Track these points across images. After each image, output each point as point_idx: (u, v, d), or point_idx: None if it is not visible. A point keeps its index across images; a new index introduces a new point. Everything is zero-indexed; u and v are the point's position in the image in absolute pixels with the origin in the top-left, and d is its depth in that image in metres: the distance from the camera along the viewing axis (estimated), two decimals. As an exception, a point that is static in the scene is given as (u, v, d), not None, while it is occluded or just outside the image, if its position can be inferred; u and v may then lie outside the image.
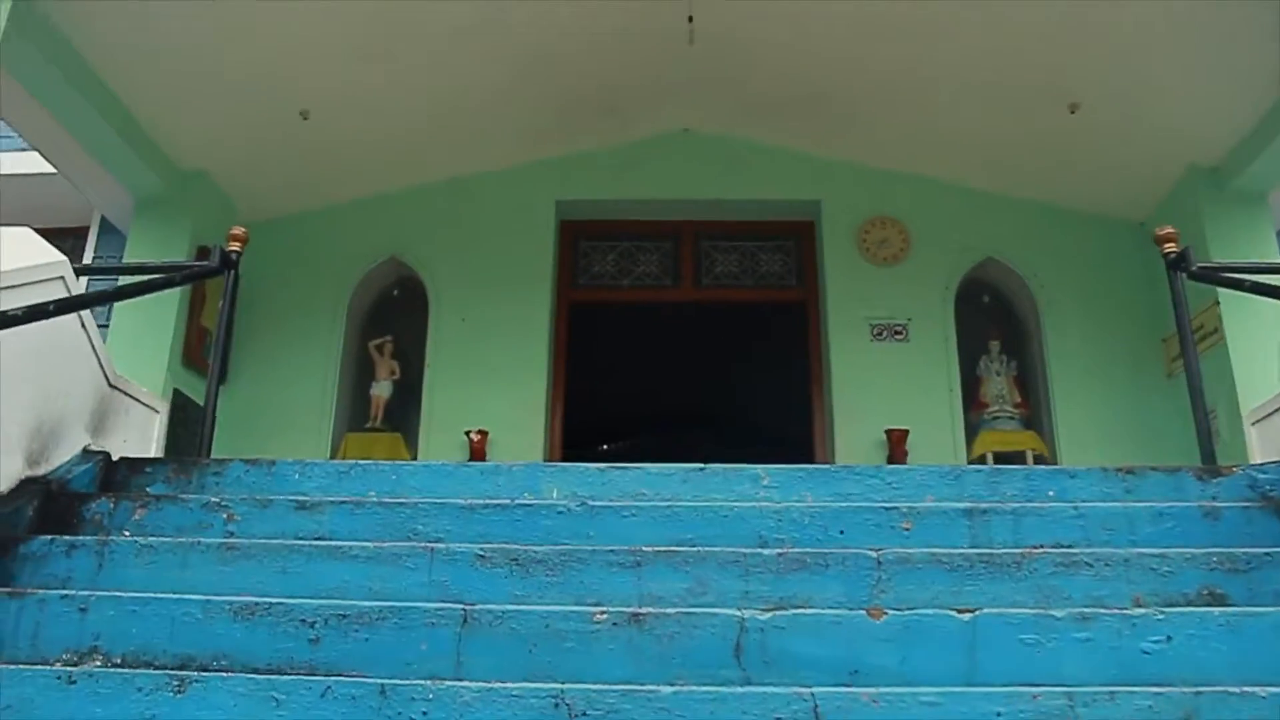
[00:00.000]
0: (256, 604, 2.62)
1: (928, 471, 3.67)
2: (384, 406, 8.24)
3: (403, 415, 8.25)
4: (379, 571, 2.95)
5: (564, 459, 8.27)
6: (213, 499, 3.40)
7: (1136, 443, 7.80)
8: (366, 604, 2.62)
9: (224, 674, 2.31)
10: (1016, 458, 7.93)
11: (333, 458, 7.96)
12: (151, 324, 7.12)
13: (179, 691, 2.24)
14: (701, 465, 3.66)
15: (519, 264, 8.37)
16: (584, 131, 8.43)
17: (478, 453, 7.66)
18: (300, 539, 3.24)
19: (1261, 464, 3.69)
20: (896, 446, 7.57)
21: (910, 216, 8.35)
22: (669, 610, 2.61)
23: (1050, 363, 8.03)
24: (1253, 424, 4.80)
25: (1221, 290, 7.31)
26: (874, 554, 2.94)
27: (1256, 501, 3.47)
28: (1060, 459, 7.78)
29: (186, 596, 2.66)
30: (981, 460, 7.86)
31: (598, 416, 13.76)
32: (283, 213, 8.52)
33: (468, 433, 7.71)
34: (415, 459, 7.94)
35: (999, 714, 2.20)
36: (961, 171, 8.30)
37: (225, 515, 3.34)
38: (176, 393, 7.47)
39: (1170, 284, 4.70)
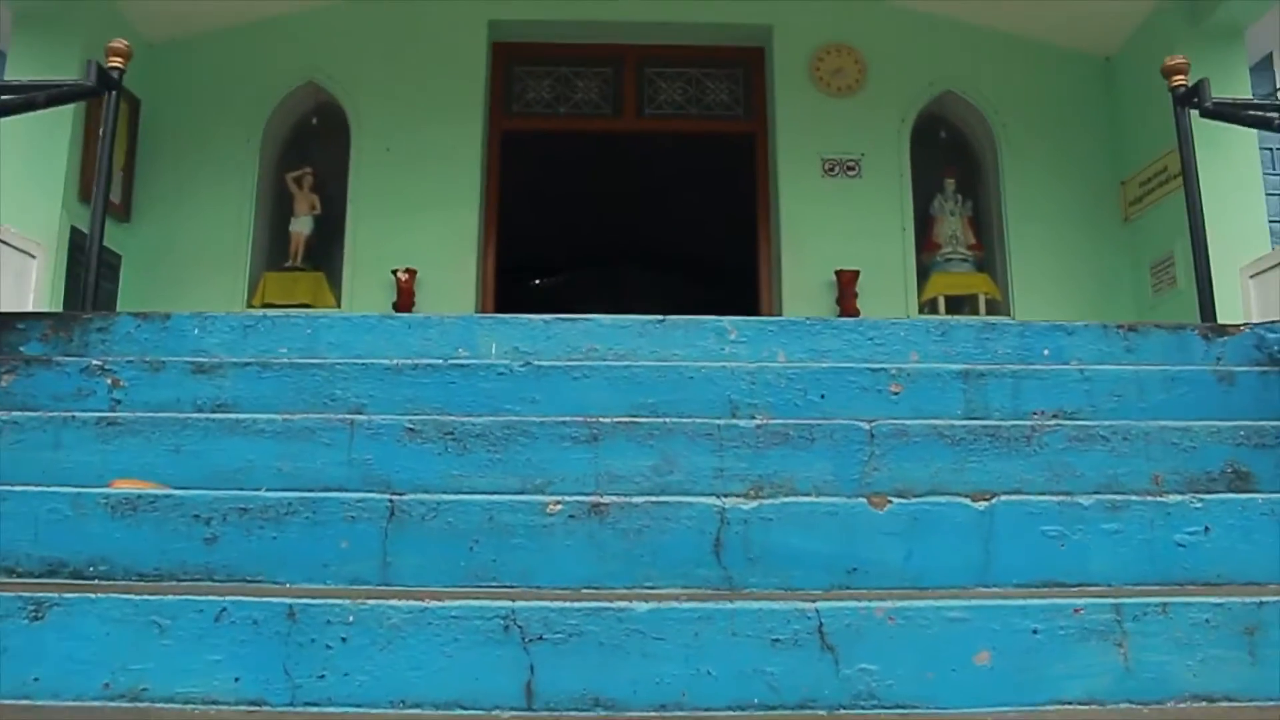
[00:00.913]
0: (139, 497, 2.14)
1: (912, 326, 3.27)
2: (304, 244, 7.61)
3: (325, 253, 7.64)
4: (289, 449, 2.49)
5: (497, 297, 7.79)
6: (95, 362, 2.88)
7: (1091, 288, 7.51)
8: (273, 495, 2.16)
9: (94, 593, 1.84)
10: (968, 301, 7.61)
11: (250, 299, 7.39)
12: (40, 156, 6.35)
13: (36, 618, 1.78)
14: (660, 317, 3.21)
15: (448, 90, 7.66)
16: (518, -56, 7.66)
17: (405, 292, 7.12)
18: (198, 409, 2.77)
19: (1271, 323, 3.32)
20: (846, 288, 7.18)
21: (867, 44, 7.76)
22: (635, 499, 2.19)
23: (1006, 204, 7.63)
24: (1251, 276, 4.44)
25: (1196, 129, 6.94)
26: (865, 426, 2.54)
27: (1268, 365, 3.12)
28: (1012, 304, 7.47)
29: (55, 490, 2.18)
30: (933, 304, 7.52)
31: (532, 252, 13.26)
32: (188, 32, 7.67)
33: (395, 271, 7.16)
34: (339, 300, 7.40)
35: (1036, 631, 1.83)
36: (924, -4, 7.70)
37: (109, 381, 2.83)
38: (75, 231, 6.78)
39: (1176, 121, 4.24)
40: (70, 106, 6.73)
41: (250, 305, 7.36)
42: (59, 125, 6.41)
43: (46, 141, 6.34)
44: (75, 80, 3.70)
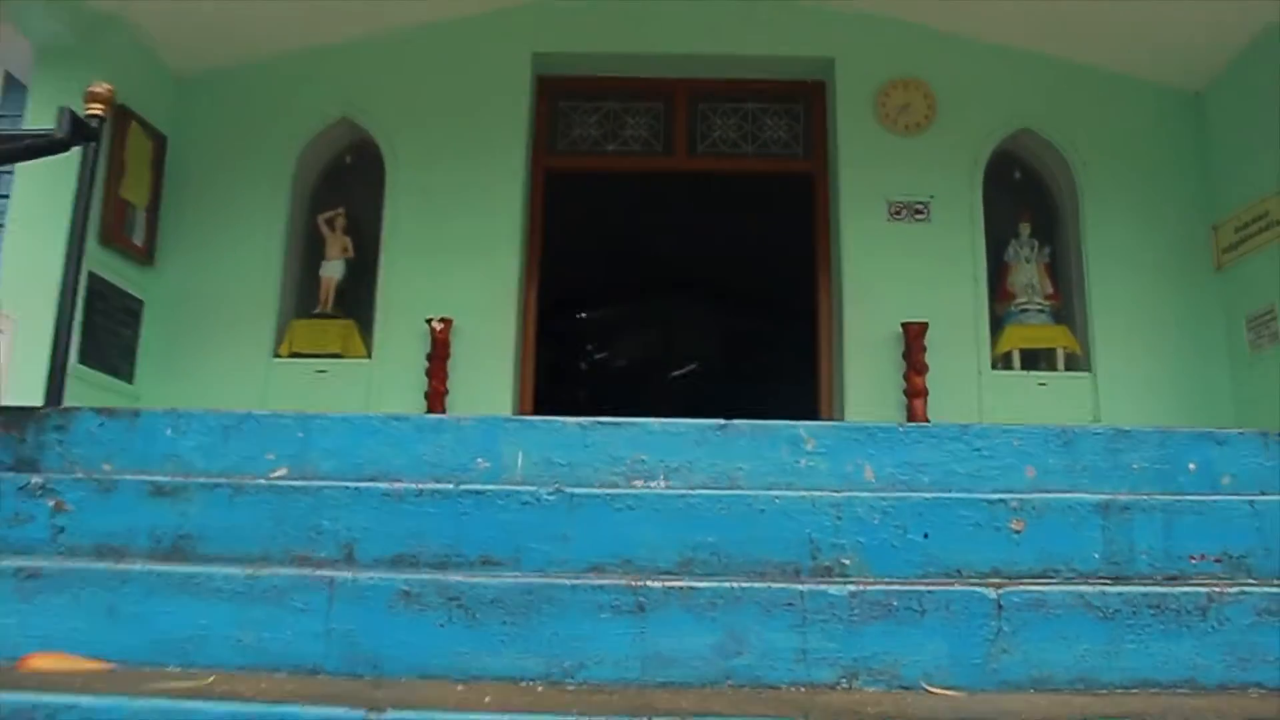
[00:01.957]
0: (36, 706, 1.59)
1: (1027, 434, 2.66)
2: (335, 289, 7.11)
3: (357, 299, 7.14)
4: (254, 615, 1.93)
5: (538, 343, 7.23)
6: (35, 480, 2.34)
7: (1180, 342, 6.84)
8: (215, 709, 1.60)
9: None
10: (1045, 355, 6.95)
11: (278, 347, 6.90)
12: (49, 199, 5.87)
13: None
14: (722, 423, 2.63)
15: (489, 126, 7.14)
16: (565, -28, 7.14)
17: (440, 343, 6.59)
18: (155, 542, 2.22)
19: None
20: (914, 342, 6.56)
21: (937, 78, 7.14)
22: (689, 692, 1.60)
23: (1087, 250, 6.96)
24: None
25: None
26: (992, 594, 1.94)
27: None
28: (1094, 359, 6.80)
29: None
30: (1007, 358, 6.87)
31: (576, 285, 12.74)
32: (216, 66, 7.23)
33: (429, 320, 6.63)
34: (370, 349, 6.89)
35: None
36: (998, 26, 7.05)
37: (52, 504, 2.30)
38: (94, 277, 6.34)
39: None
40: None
41: (278, 354, 6.88)
42: (70, 166, 5.94)
43: (51, 183, 5.83)
44: (45, 130, 3.18)
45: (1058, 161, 7.19)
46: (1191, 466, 2.61)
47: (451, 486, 2.30)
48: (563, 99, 7.54)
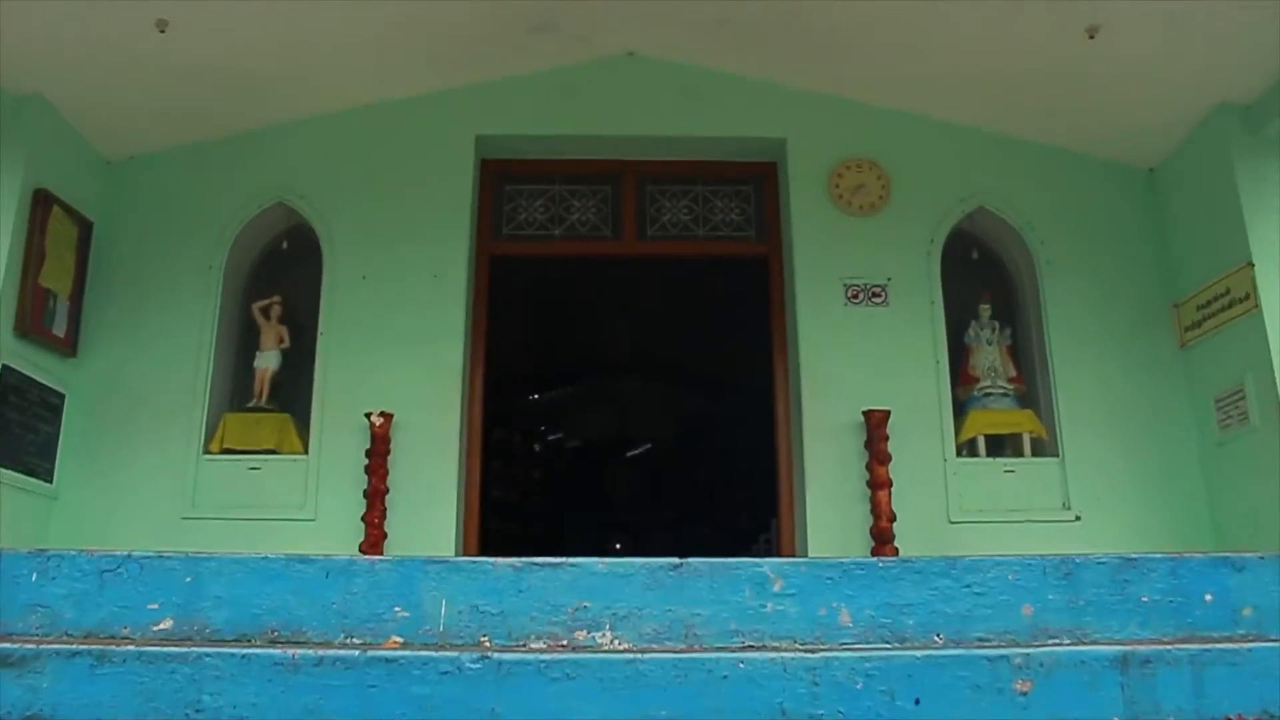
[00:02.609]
0: None
1: (1023, 567, 2.32)
2: (270, 381, 6.70)
3: (294, 391, 6.74)
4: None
5: (484, 430, 6.84)
6: None
7: (1147, 424, 6.60)
8: None
9: None
10: (1011, 440, 6.68)
11: (208, 443, 6.46)
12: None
13: None
14: (676, 561, 2.27)
15: (431, 211, 6.83)
16: (510, 53, 6.86)
17: (380, 438, 6.19)
18: (-7, 732, 1.81)
19: None
20: (876, 430, 6.26)
21: (890, 158, 6.94)
22: None
23: (1049, 330, 6.74)
24: None
25: (1258, 249, 6.09)
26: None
27: None
28: (1061, 443, 6.53)
29: None
30: (971, 444, 6.59)
31: (525, 369, 12.40)
32: (145, 149, 6.88)
33: (368, 414, 6.24)
34: (306, 445, 6.47)
35: None
36: (952, 106, 6.88)
37: None
38: (8, 370, 5.91)
39: None
40: (9, 228, 5.96)
41: (208, 450, 6.44)
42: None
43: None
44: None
45: (1015, 240, 6.99)
46: (1208, 597, 2.29)
47: (358, 653, 1.91)
48: (508, 182, 7.25)
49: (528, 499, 14.78)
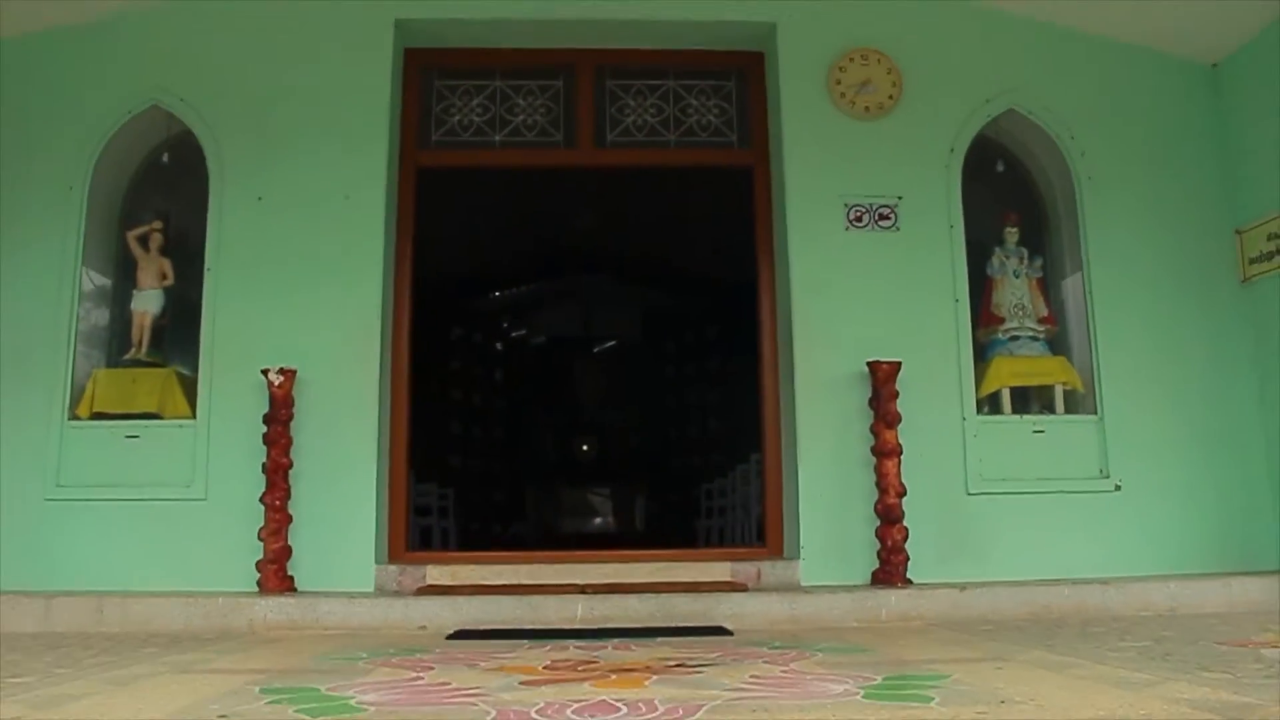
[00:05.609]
0: None
1: None
2: (151, 327, 5.41)
3: (181, 341, 5.46)
4: None
5: (413, 377, 5.61)
6: None
7: (1205, 375, 5.44)
8: None
9: None
10: (1039, 394, 5.51)
11: (75, 406, 5.20)
12: None
13: None
14: None
15: (342, 114, 5.43)
16: (435, -84, 5.41)
17: (280, 401, 4.94)
18: None
19: None
20: (883, 387, 5.04)
21: (903, 49, 5.57)
22: None
23: (1089, 261, 5.51)
24: None
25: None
26: None
27: None
28: (1099, 399, 5.37)
29: None
30: (994, 399, 5.42)
31: (472, 277, 11.17)
32: (-16, 37, 5.45)
33: (265, 372, 4.97)
34: (194, 407, 5.22)
35: None
36: (979, -17, 5.51)
37: None
38: None
39: None
40: None
41: (75, 415, 5.19)
42: None
43: None
44: None
45: (1050, 150, 5.69)
46: None
47: None
48: (438, 78, 5.84)
49: (490, 401, 13.66)
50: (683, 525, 11.67)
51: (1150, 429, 5.34)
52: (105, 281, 5.55)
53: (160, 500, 5.07)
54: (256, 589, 4.78)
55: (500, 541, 11.59)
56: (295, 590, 4.85)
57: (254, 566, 4.80)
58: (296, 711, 2.28)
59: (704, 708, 2.24)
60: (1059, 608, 4.53)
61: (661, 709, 2.24)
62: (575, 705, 2.30)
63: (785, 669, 2.92)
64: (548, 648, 3.58)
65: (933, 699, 2.33)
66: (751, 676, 2.75)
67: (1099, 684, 2.54)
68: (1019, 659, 3.07)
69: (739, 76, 5.90)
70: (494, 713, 2.22)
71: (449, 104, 5.85)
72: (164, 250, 5.51)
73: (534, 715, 2.18)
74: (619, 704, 2.31)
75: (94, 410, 5.22)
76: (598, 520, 13.84)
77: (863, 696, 2.39)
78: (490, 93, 5.86)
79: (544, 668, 3.01)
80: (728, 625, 4.28)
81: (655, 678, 2.77)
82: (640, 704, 2.30)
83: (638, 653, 3.40)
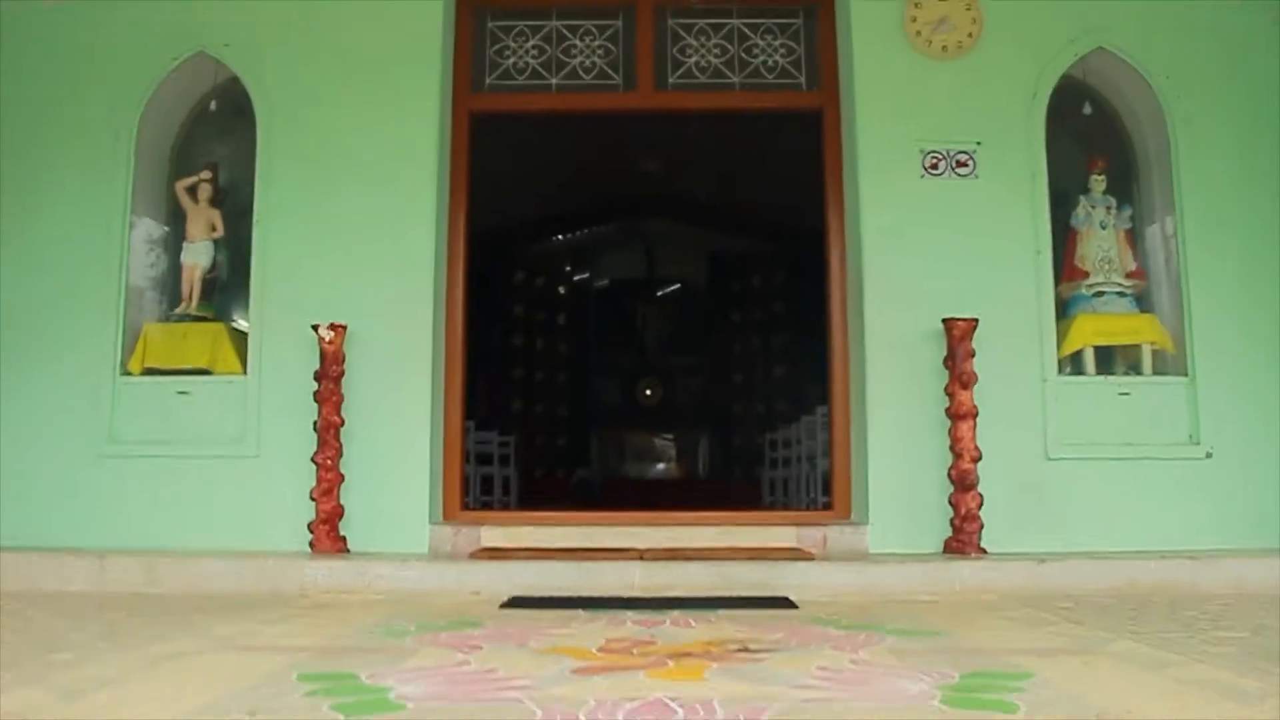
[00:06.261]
0: None
1: None
2: (201, 281, 5.31)
3: (235, 291, 5.36)
4: None
5: (468, 330, 5.44)
6: None
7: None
8: None
9: None
10: (1125, 353, 5.21)
11: (127, 361, 5.14)
12: None
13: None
14: None
15: (393, 57, 5.25)
16: None
17: (331, 358, 4.81)
18: None
19: None
20: (959, 345, 4.78)
21: (984, -17, 5.25)
22: None
23: (1183, 212, 5.16)
24: None
25: None
26: None
27: None
28: (1190, 359, 5.05)
29: None
30: (1076, 358, 5.13)
31: (527, 221, 11.01)
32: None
33: (315, 327, 4.84)
34: (244, 363, 5.12)
35: None
36: (1069, -89, 5.13)
37: None
38: None
39: None
40: None
41: (127, 371, 5.12)
42: None
43: None
44: None
45: (1142, 91, 5.32)
46: None
47: None
48: (492, 18, 5.61)
49: (552, 345, 13.56)
50: (746, 474, 11.51)
51: (1245, 393, 5.02)
52: (157, 233, 5.44)
53: (212, 457, 5.00)
54: (308, 548, 4.70)
55: (561, 487, 11.55)
56: (348, 551, 4.76)
57: (305, 526, 4.72)
58: (332, 708, 2.14)
59: (765, 713, 2.06)
60: (1144, 584, 4.27)
61: (721, 713, 2.06)
62: (627, 707, 2.13)
63: (854, 657, 2.72)
64: (603, 621, 3.43)
65: (1018, 706, 2.13)
66: (818, 668, 2.56)
67: (1203, 691, 2.31)
68: (1106, 651, 2.85)
69: (807, 14, 5.60)
70: (540, 712, 2.07)
71: (503, 46, 5.63)
72: (213, 201, 5.39)
73: (582, 718, 2.02)
74: (674, 704, 2.14)
75: (145, 365, 5.15)
76: (660, 466, 13.74)
77: (940, 702, 2.19)
78: (546, 33, 5.62)
79: (598, 650, 2.85)
80: (792, 596, 4.10)
81: (715, 665, 2.59)
82: (698, 705, 2.13)
83: (697, 629, 3.23)
